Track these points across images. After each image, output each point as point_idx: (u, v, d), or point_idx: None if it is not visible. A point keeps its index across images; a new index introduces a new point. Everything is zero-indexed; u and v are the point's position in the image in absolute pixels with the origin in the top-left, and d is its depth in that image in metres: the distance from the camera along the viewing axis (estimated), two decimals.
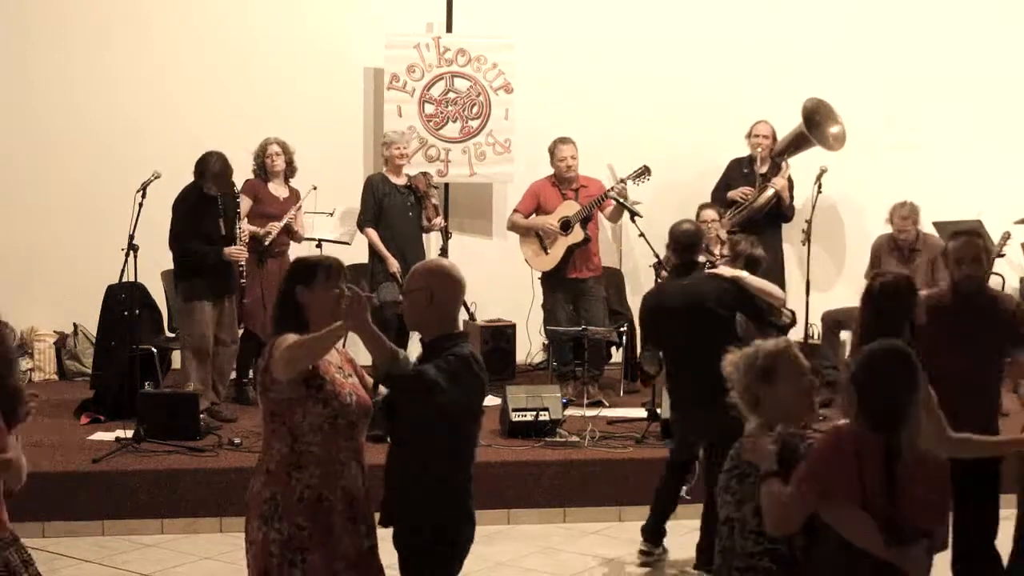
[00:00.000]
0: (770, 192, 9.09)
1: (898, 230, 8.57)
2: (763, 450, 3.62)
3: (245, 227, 7.94)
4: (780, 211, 9.15)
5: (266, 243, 8.12)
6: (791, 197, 9.18)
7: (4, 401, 3.99)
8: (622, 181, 8.54)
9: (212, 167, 7.54)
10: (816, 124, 9.33)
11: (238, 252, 7.70)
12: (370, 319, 3.74)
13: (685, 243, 6.32)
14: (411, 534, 3.96)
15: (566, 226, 8.64)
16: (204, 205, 7.62)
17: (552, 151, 8.79)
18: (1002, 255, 8.87)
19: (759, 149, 9.21)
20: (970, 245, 5.18)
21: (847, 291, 9.16)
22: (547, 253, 8.72)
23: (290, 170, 8.52)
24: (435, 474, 3.93)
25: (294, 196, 8.50)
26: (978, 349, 5.02)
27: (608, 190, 8.58)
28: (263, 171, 8.44)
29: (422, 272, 4.10)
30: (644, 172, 8.59)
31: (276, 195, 8.44)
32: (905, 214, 8.61)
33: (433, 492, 3.92)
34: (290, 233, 8.40)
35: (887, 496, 3.46)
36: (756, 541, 3.63)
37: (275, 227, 8.20)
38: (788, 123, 9.37)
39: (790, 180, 9.22)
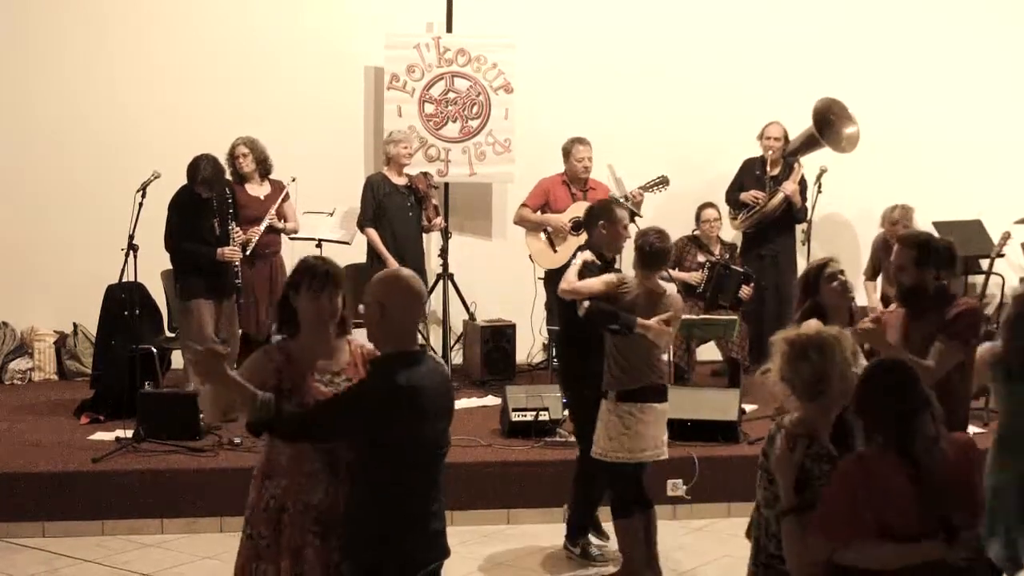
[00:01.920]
0: (780, 197, 9.11)
1: (888, 235, 8.55)
2: (786, 474, 3.62)
3: (239, 230, 7.93)
4: (792, 213, 9.18)
5: (247, 251, 8.01)
6: (804, 198, 9.21)
7: None
8: (640, 190, 8.53)
9: (203, 171, 7.51)
10: (829, 123, 9.32)
11: (231, 252, 7.69)
12: (227, 369, 3.67)
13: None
14: (351, 569, 3.78)
15: (578, 226, 8.63)
16: (198, 206, 7.61)
17: (569, 151, 8.76)
18: (1002, 255, 8.88)
19: (770, 152, 9.22)
20: (896, 254, 5.00)
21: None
22: (555, 251, 8.70)
23: (264, 167, 8.40)
24: (369, 511, 3.70)
25: (276, 191, 8.37)
26: (916, 345, 4.84)
27: (619, 197, 8.54)
28: (236, 174, 8.32)
29: (374, 283, 3.84)
30: (662, 182, 8.55)
31: (255, 195, 8.31)
32: (895, 219, 8.59)
33: (367, 529, 3.72)
34: (276, 231, 8.33)
35: (924, 505, 3.47)
36: (777, 546, 3.70)
37: (255, 232, 8.08)
38: (790, 123, 9.38)
39: (803, 180, 9.24)
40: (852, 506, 3.50)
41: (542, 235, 8.79)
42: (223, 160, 8.11)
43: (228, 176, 8.28)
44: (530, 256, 8.86)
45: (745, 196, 9.22)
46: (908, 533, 3.48)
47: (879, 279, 8.83)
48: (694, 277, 8.79)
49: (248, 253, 7.99)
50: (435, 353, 3.98)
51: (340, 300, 3.99)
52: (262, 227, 8.14)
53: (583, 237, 8.51)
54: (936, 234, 8.83)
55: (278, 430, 3.77)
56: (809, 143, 9.39)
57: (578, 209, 8.68)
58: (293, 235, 8.51)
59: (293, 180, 8.40)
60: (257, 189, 8.39)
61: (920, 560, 3.48)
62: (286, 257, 8.38)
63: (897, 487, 3.50)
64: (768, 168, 9.24)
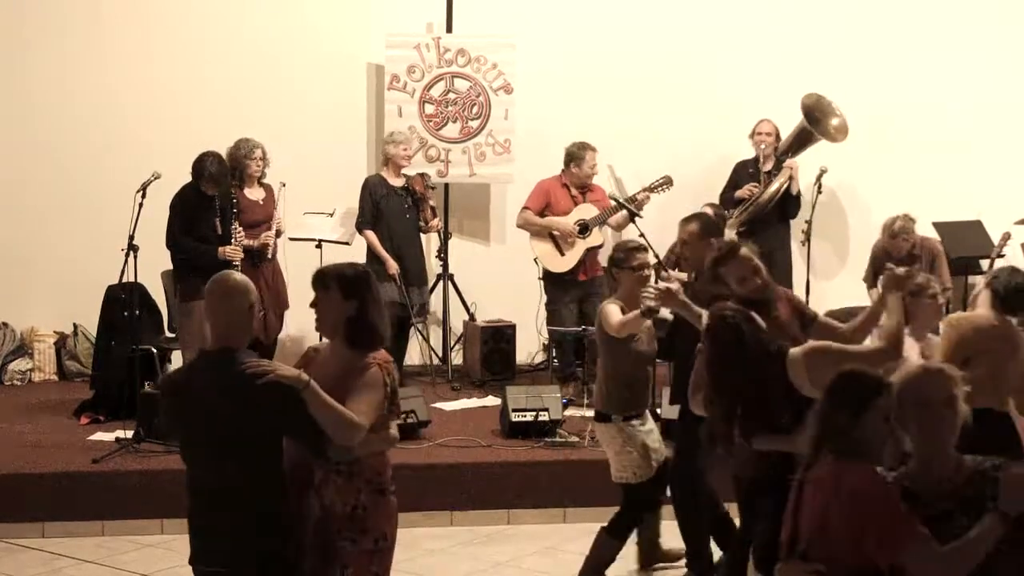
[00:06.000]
0: (776, 186, 9.05)
1: (888, 246, 8.51)
2: None
3: (241, 230, 7.92)
4: (787, 202, 9.12)
5: (268, 255, 8.05)
6: (799, 196, 9.19)
7: None
8: (646, 192, 8.54)
9: (209, 167, 7.51)
10: (816, 120, 9.33)
11: (233, 251, 7.68)
12: None
13: None
14: None
15: (583, 229, 8.64)
16: (200, 205, 7.61)
17: (582, 157, 8.72)
18: (1002, 255, 8.86)
19: (763, 146, 9.22)
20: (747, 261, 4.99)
21: (850, 289, 9.17)
22: (563, 255, 8.70)
23: (265, 172, 8.34)
24: None
25: (270, 194, 8.30)
26: None
27: (622, 199, 8.55)
28: (239, 177, 8.11)
29: None
30: (666, 182, 8.57)
31: (254, 199, 8.22)
32: (895, 231, 8.47)
33: None
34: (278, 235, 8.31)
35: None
36: None
37: (269, 236, 8.06)
38: (791, 120, 9.37)
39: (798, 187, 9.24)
40: None
41: (548, 237, 8.78)
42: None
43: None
44: (535, 259, 8.86)
45: (741, 192, 9.21)
46: None
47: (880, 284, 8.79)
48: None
49: (270, 257, 8.04)
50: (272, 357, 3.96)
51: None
52: (273, 231, 8.12)
53: (591, 240, 8.59)
54: (935, 235, 8.93)
55: None
56: (801, 140, 9.37)
57: (583, 211, 8.70)
58: (292, 237, 8.51)
59: (283, 185, 8.34)
60: (255, 193, 8.33)
61: None
62: (288, 258, 8.39)
63: None
64: (761, 165, 9.24)
